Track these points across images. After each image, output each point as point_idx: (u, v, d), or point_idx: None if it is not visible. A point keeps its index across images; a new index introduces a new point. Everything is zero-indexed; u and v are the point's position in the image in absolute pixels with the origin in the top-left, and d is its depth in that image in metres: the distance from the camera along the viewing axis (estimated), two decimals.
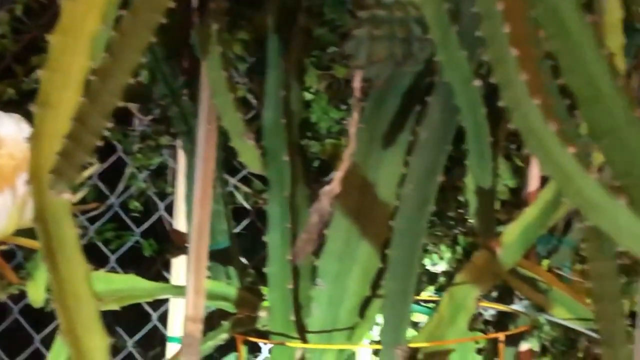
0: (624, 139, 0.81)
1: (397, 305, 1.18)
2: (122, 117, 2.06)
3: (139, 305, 2.01)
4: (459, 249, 2.05)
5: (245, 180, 2.17)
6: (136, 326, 2.22)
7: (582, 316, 1.47)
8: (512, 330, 1.51)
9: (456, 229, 2.05)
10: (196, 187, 1.24)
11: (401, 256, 1.17)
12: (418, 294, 2.14)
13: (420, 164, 1.17)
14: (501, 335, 1.43)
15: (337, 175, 1.08)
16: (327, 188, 1.08)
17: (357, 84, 1.09)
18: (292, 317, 1.39)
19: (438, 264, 2.18)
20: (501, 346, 1.43)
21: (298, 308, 1.39)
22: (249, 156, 1.02)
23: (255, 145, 1.02)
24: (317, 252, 1.38)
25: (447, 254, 2.05)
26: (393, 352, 1.15)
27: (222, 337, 1.42)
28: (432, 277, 2.16)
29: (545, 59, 0.92)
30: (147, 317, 2.18)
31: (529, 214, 1.39)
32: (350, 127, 1.10)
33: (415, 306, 1.80)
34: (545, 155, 0.63)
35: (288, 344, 1.38)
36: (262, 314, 1.43)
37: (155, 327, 2.17)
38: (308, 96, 1.90)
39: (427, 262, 2.16)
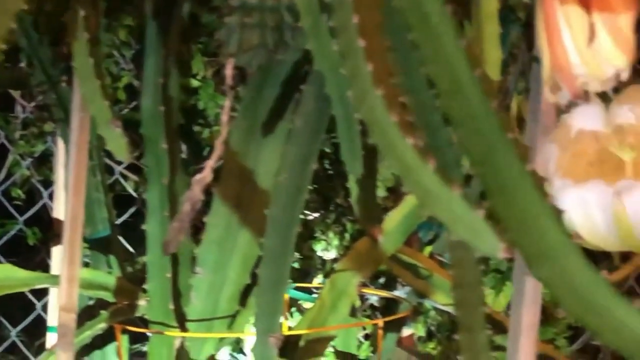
0: (481, 128, 0.82)
1: (270, 294, 1.18)
2: (4, 104, 2.02)
3: (23, 294, 1.98)
4: (347, 236, 2.06)
5: (135, 168, 2.15)
6: (22, 316, 2.19)
7: None
8: (391, 317, 1.53)
9: (344, 217, 2.06)
10: (69, 175, 1.22)
11: (275, 244, 1.17)
12: (310, 282, 2.16)
13: (295, 153, 1.17)
14: (380, 322, 1.45)
15: (209, 163, 1.07)
16: (199, 176, 1.07)
17: (228, 71, 1.08)
18: (171, 306, 1.38)
19: (330, 251, 2.19)
20: (380, 332, 1.45)
21: (177, 296, 1.38)
22: (116, 144, 1.00)
23: (122, 133, 1.00)
24: (196, 240, 1.37)
25: (336, 241, 2.07)
26: (267, 339, 1.15)
27: (100, 326, 1.40)
28: (324, 265, 2.18)
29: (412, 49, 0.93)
30: (33, 307, 2.15)
31: (410, 201, 1.41)
32: (222, 115, 1.09)
33: (303, 294, 1.81)
34: (387, 146, 0.64)
35: (167, 332, 1.37)
36: (142, 302, 1.42)
37: (40, 316, 2.14)
38: (195, 83, 1.89)
39: (319, 248, 2.17)
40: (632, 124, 0.84)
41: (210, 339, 1.38)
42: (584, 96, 0.81)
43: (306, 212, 2.09)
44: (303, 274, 2.17)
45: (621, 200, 0.78)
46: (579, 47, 0.79)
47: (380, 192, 1.85)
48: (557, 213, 0.76)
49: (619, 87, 0.87)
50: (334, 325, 1.41)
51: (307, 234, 2.04)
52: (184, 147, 2.02)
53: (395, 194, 1.93)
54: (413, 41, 0.90)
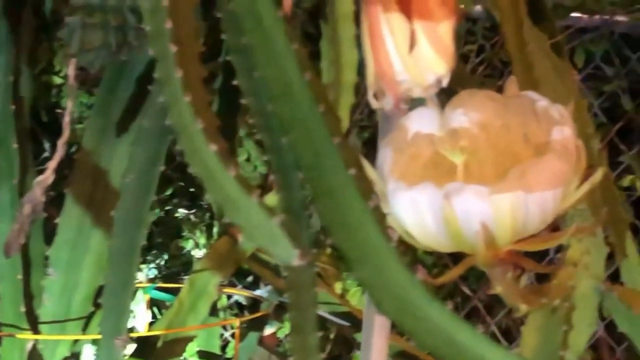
0: (309, 132, 0.83)
1: (117, 295, 1.17)
2: None
3: None
4: (215, 235, 2.07)
5: None
6: None
7: (325, 301, 1.52)
8: (251, 316, 1.53)
9: (211, 216, 2.06)
10: None
11: (121, 246, 1.16)
12: (181, 282, 2.15)
13: (142, 154, 1.16)
14: (237, 321, 1.45)
15: (51, 164, 1.06)
16: (40, 178, 1.06)
17: (71, 71, 1.07)
18: (23, 308, 1.36)
19: (201, 250, 2.19)
20: (237, 332, 1.45)
21: (29, 298, 1.36)
22: None
23: None
24: (49, 241, 1.36)
25: (203, 240, 2.07)
26: (113, 342, 1.14)
27: None
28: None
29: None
30: None
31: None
32: (65, 115, 1.08)
33: (165, 295, 1.81)
34: (192, 152, 0.64)
35: (18, 335, 1.35)
36: None
37: None
38: (58, 80, 1.87)
39: (188, 247, 2.16)
40: (465, 128, 0.86)
41: (64, 341, 1.37)
42: (407, 102, 0.83)
43: (180, 210, 2.09)
44: (174, 274, 2.16)
45: (450, 203, 0.79)
46: (401, 54, 0.81)
47: None
48: (379, 217, 0.78)
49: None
50: (192, 326, 1.41)
51: (175, 232, 2.03)
52: (47, 145, 2.00)
53: (262, 192, 1.94)
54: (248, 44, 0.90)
